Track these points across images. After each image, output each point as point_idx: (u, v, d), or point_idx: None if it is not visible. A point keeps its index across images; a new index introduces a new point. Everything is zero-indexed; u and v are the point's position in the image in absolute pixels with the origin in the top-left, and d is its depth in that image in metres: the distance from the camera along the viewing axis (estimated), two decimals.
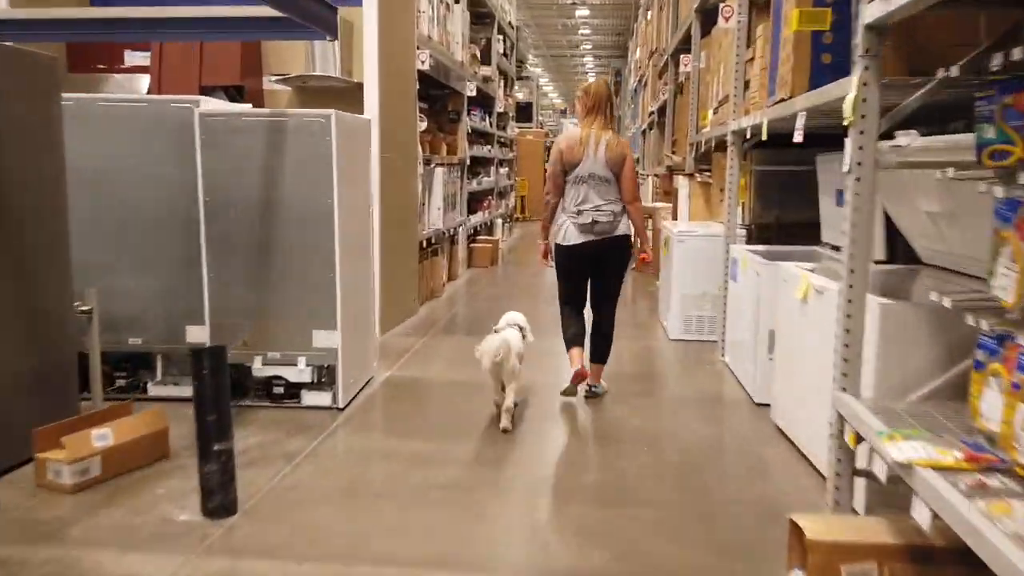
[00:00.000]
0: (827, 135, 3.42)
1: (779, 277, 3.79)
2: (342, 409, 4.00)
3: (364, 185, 4.47)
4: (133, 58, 5.79)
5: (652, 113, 11.21)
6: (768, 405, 3.97)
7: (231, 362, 2.93)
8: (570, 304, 4.28)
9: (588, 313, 4.33)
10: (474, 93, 8.95)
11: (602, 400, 4.32)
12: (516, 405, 3.86)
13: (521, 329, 3.96)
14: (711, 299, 5.59)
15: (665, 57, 9.12)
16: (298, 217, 3.88)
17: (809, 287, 3.26)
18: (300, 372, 3.94)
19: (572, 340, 4.24)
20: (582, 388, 4.30)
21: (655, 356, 5.47)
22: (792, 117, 3.42)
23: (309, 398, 3.99)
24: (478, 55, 9.58)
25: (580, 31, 24.09)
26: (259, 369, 3.95)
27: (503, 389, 3.79)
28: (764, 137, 4.05)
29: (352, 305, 4.09)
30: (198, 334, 4.01)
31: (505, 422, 3.71)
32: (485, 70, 10.01)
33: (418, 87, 6.48)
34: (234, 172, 3.88)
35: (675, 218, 7.00)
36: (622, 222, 4.06)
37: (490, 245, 9.87)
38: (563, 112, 34.96)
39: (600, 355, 4.30)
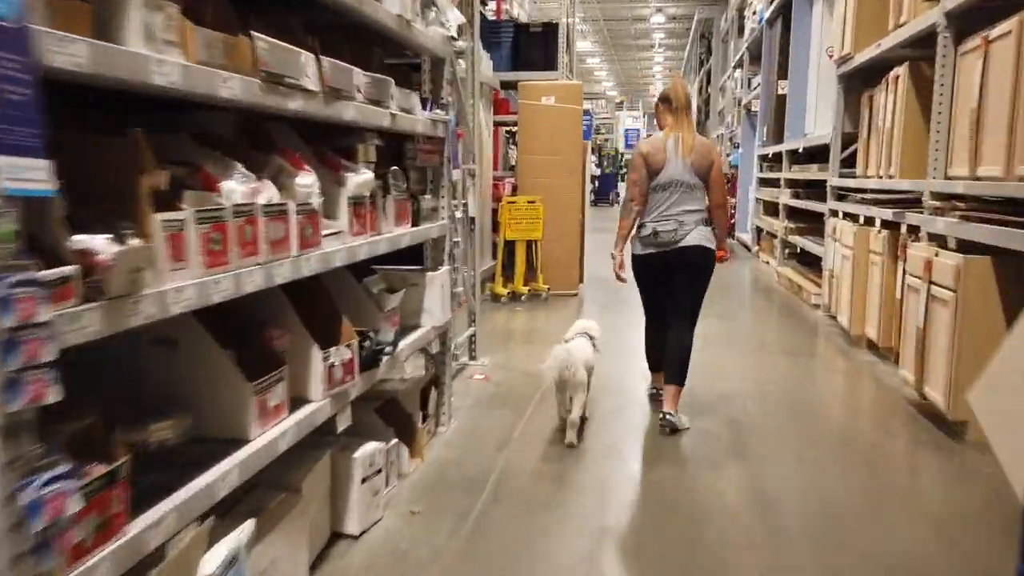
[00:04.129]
0: None
1: None
2: None
3: None
4: None
5: None
6: None
7: None
8: (650, 317, 4.16)
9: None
10: None
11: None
12: (584, 419, 3.78)
13: (592, 339, 3.87)
14: None
15: None
16: None
17: None
18: None
19: (654, 366, 4.18)
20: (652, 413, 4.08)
21: None
22: None
23: None
24: None
25: None
26: None
27: (570, 402, 3.62)
28: None
29: None
30: None
31: (571, 436, 3.56)
32: None
33: None
34: None
35: None
36: (694, 231, 3.79)
37: None
38: (620, 105, 35.19)
39: (672, 375, 3.84)
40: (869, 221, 5.38)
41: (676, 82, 4.03)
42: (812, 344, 5.88)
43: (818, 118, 8.01)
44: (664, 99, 3.94)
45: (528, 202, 7.24)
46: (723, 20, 17.40)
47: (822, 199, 7.56)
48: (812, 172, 7.76)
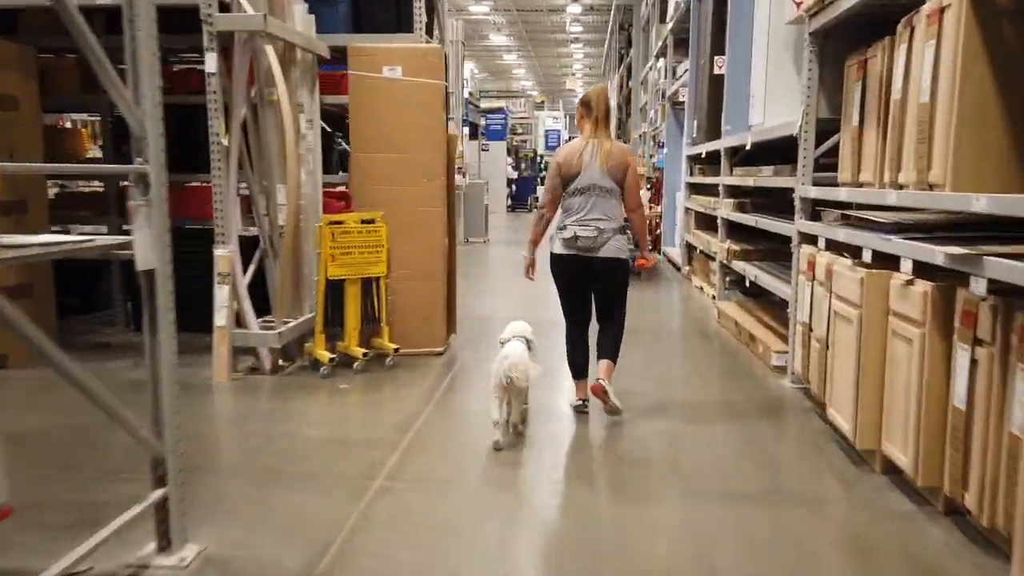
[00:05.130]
0: None
1: None
2: None
3: None
4: None
5: None
6: None
7: None
8: (571, 318, 4.14)
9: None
10: None
11: None
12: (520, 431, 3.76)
13: (528, 342, 3.79)
14: None
15: None
16: None
17: None
18: None
19: (577, 372, 4.14)
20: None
21: None
22: None
23: None
24: None
25: None
26: None
27: (507, 404, 3.65)
28: None
29: None
30: None
31: (499, 436, 3.56)
32: None
33: None
34: None
35: None
36: (612, 241, 3.92)
37: None
38: (540, 104, 33.51)
39: (606, 353, 4.05)
40: (882, 260, 3.24)
41: (599, 90, 4.12)
42: (785, 458, 3.64)
43: (770, 104, 5.95)
44: (585, 104, 4.02)
45: (362, 222, 4.89)
46: (644, 6, 15.52)
47: (781, 212, 5.46)
48: (765, 177, 5.67)
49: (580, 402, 4.12)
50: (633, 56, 17.03)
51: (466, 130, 16.41)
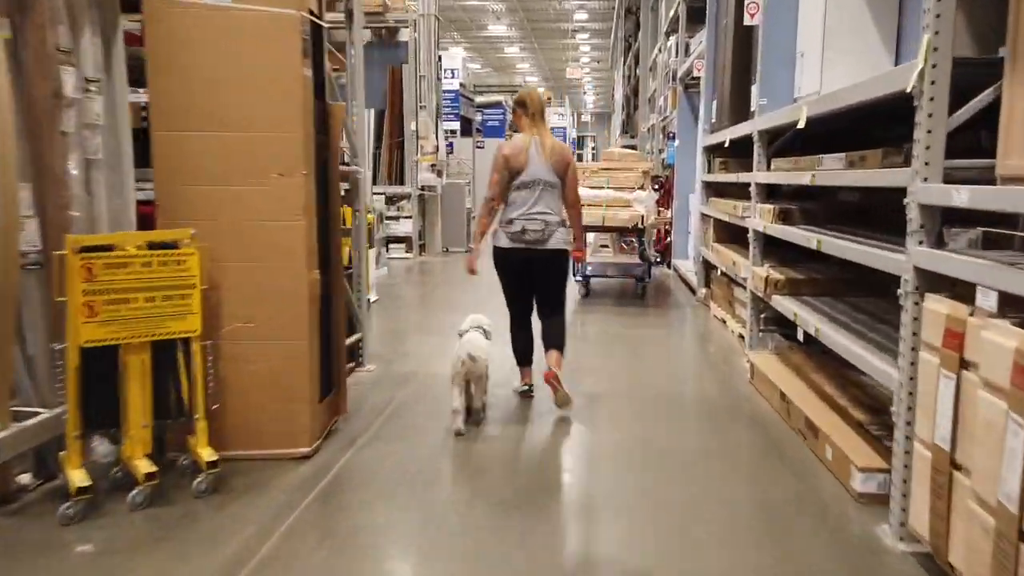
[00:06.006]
0: None
1: None
2: None
3: None
4: None
5: None
6: None
7: None
8: (514, 307, 4.18)
9: None
10: None
11: None
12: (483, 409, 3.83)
13: (485, 332, 3.90)
14: None
15: None
16: None
17: None
18: None
19: (522, 358, 4.25)
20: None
21: None
22: None
23: None
24: None
25: None
26: None
27: (464, 393, 3.72)
28: None
29: None
30: None
31: (459, 424, 3.59)
32: None
33: None
34: None
35: None
36: (557, 233, 4.01)
37: None
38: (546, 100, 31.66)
39: (553, 345, 4.09)
40: None
41: (531, 89, 4.23)
42: None
43: (830, 65, 3.99)
44: (521, 103, 4.08)
45: (151, 247, 2.87)
46: None
47: (844, 223, 3.43)
48: (831, 170, 3.58)
49: (526, 387, 4.24)
50: (641, 40, 15.16)
51: (456, 125, 14.45)
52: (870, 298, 4.00)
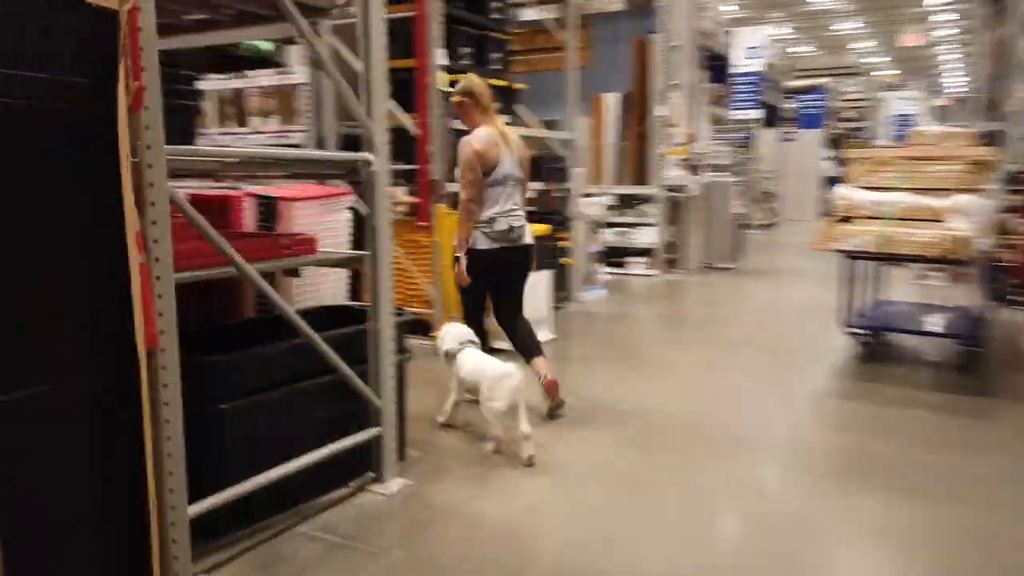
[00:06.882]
0: None
1: None
2: None
3: None
4: None
5: None
6: None
7: None
8: (476, 313, 4.01)
9: None
10: None
11: None
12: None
13: (473, 343, 3.67)
14: None
15: None
16: None
17: None
18: None
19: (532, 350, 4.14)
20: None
21: None
22: None
23: None
24: None
25: None
26: None
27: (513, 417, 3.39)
28: None
29: None
30: None
31: (530, 450, 3.30)
32: None
33: None
34: None
35: None
36: (526, 228, 3.96)
37: None
38: (889, 86, 26.57)
39: (533, 352, 3.95)
40: None
41: (475, 78, 3.96)
42: None
43: None
44: (469, 94, 3.89)
45: None
46: None
47: None
48: None
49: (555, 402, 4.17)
50: None
51: (757, 114, 11.91)
52: None
